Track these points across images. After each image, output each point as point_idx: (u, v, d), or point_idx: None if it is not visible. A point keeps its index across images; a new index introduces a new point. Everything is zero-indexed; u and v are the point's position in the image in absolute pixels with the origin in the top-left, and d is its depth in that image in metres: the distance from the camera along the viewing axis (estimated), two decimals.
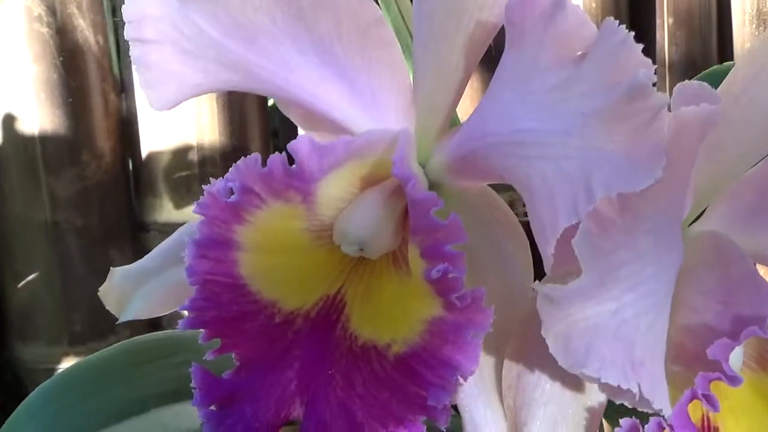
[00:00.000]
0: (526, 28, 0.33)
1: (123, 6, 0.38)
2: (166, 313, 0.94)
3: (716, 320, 0.36)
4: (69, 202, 0.86)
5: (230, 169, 0.36)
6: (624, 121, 0.28)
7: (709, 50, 1.07)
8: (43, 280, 0.87)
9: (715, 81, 0.59)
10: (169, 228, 0.92)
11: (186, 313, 0.37)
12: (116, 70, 0.91)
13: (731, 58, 1.04)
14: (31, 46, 0.83)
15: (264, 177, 0.35)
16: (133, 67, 0.93)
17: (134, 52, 0.38)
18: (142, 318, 0.43)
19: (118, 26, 0.92)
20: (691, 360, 0.34)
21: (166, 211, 0.90)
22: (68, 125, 0.85)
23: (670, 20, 1.06)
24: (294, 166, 0.35)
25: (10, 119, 0.84)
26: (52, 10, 0.83)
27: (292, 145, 0.35)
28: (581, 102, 0.30)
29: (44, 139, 0.84)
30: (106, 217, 0.88)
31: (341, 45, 0.39)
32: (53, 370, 0.89)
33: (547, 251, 0.29)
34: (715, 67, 0.58)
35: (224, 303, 0.37)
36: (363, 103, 0.40)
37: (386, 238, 0.37)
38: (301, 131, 0.43)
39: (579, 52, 0.31)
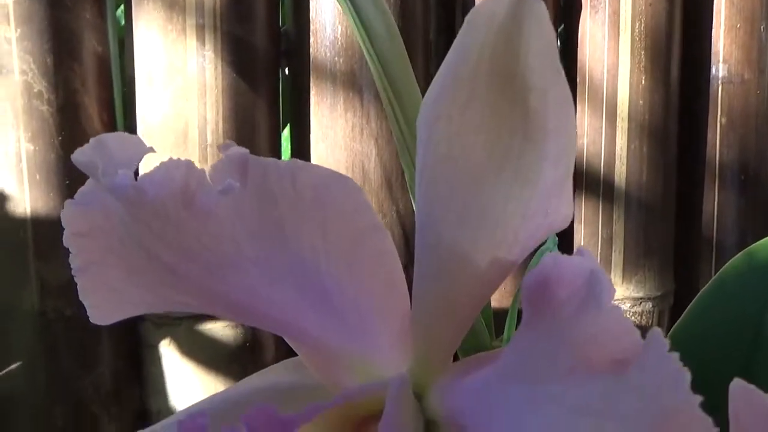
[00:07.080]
0: (546, 313, 0.25)
1: (63, 211, 0.31)
2: (155, 405, 0.87)
3: None
4: (59, 290, 0.80)
5: None
6: None
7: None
8: (25, 371, 0.81)
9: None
10: (164, 319, 0.85)
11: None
12: None
13: None
14: (29, 125, 0.77)
15: None
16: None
17: (74, 261, 0.31)
18: None
19: (126, 99, 0.86)
20: None
21: None
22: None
23: (723, 120, 0.98)
24: None
25: (0, 199, 0.78)
26: (54, 87, 0.77)
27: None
28: None
29: (36, 222, 0.79)
30: None
31: (326, 259, 0.32)
32: None
33: None
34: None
35: None
36: (348, 328, 0.33)
37: None
38: None
39: (609, 360, 0.24)
